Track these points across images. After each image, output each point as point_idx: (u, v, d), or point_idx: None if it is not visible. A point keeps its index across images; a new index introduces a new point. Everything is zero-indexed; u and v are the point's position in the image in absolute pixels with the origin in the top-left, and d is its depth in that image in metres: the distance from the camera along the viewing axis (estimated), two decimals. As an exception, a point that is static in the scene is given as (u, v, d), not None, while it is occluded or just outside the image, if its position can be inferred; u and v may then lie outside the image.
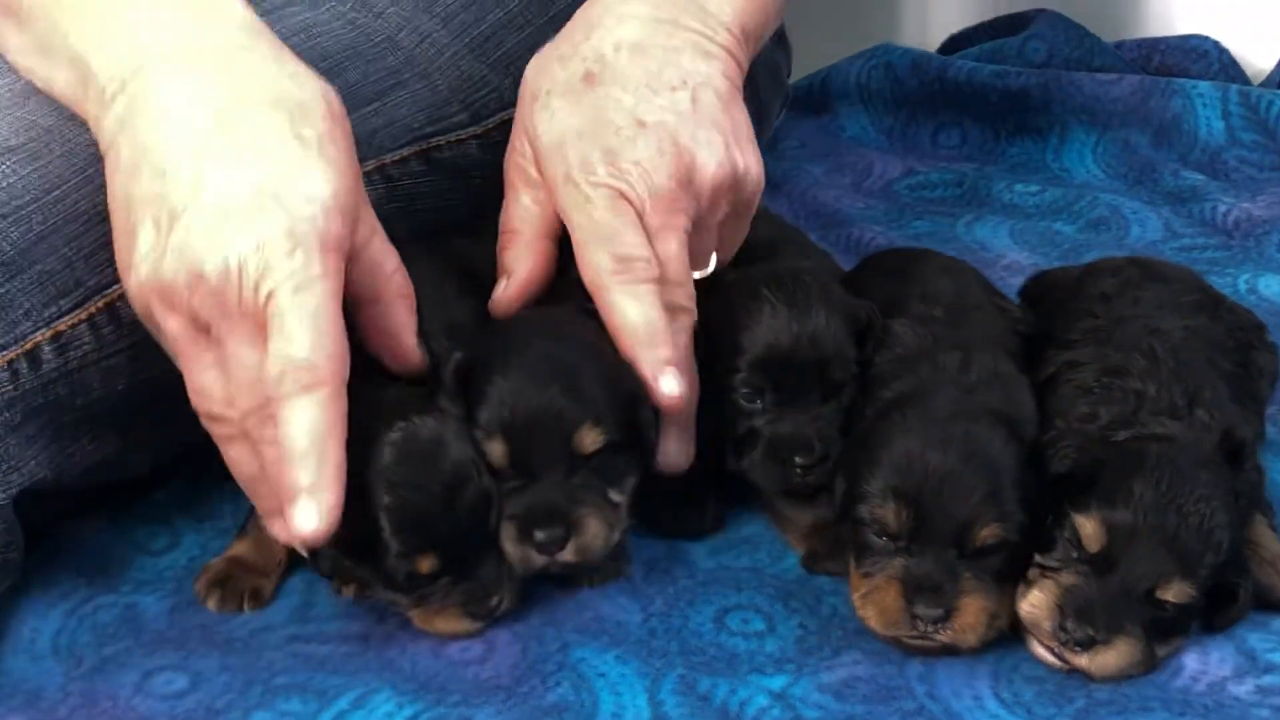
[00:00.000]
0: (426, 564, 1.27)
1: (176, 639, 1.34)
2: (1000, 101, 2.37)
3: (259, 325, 1.21)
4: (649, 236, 1.39)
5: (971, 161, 2.35)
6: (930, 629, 1.27)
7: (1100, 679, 1.25)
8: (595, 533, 1.32)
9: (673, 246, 1.39)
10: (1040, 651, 1.28)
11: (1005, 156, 2.35)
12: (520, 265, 1.47)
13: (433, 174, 1.61)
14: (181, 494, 1.54)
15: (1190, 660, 1.28)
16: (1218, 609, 1.29)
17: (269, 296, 1.20)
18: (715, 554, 1.45)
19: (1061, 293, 1.60)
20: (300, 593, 1.36)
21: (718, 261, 1.49)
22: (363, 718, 1.23)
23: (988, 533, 1.27)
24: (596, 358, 1.35)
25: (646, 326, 1.37)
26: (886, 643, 1.30)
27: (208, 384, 1.25)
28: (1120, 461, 1.29)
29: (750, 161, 1.45)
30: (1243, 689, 1.25)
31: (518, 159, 1.48)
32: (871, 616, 1.30)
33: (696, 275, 1.43)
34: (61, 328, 1.33)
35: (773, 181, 2.23)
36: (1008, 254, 2.03)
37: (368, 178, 1.49)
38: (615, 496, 1.34)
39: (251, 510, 1.41)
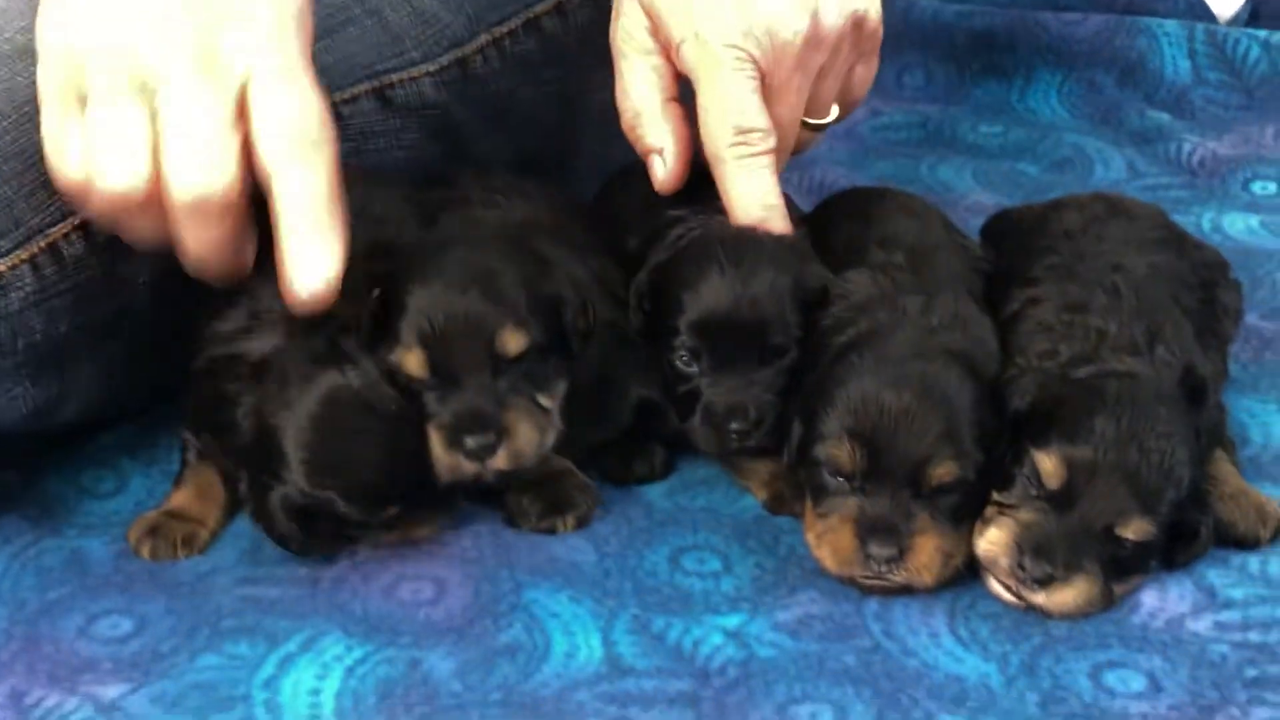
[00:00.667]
0: (392, 511, 1.29)
1: (122, 583, 1.32)
2: (965, 42, 2.35)
3: (234, 101, 1.22)
4: (771, 95, 1.42)
5: (936, 103, 2.33)
6: (884, 569, 1.25)
7: (1058, 616, 1.24)
8: (528, 437, 1.30)
9: (791, 101, 1.43)
10: (997, 589, 1.26)
11: (970, 98, 2.33)
12: (666, 139, 1.47)
13: (385, 113, 1.58)
14: (128, 437, 1.51)
15: (1148, 596, 1.27)
16: (1178, 547, 1.28)
17: (251, 73, 1.22)
18: (671, 494, 1.44)
19: (1025, 230, 1.58)
20: (249, 536, 1.33)
21: (845, 107, 1.52)
22: (311, 660, 1.21)
23: (943, 471, 1.26)
24: (518, 261, 1.34)
25: (759, 201, 1.42)
26: (843, 583, 1.29)
27: (128, 146, 1.22)
28: (1081, 398, 1.27)
29: (868, 3, 1.47)
30: (1201, 625, 1.24)
31: (627, 27, 1.47)
32: (826, 557, 1.28)
33: (818, 122, 1.50)
34: (2, 268, 1.31)
35: (735, 123, 2.21)
36: (971, 195, 2.02)
37: None
38: (544, 401, 1.32)
39: (184, 462, 1.41)
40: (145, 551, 1.35)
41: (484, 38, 1.64)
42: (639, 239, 1.54)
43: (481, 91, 1.64)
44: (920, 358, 1.30)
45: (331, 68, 1.53)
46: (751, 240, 1.43)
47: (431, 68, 1.60)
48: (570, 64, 1.71)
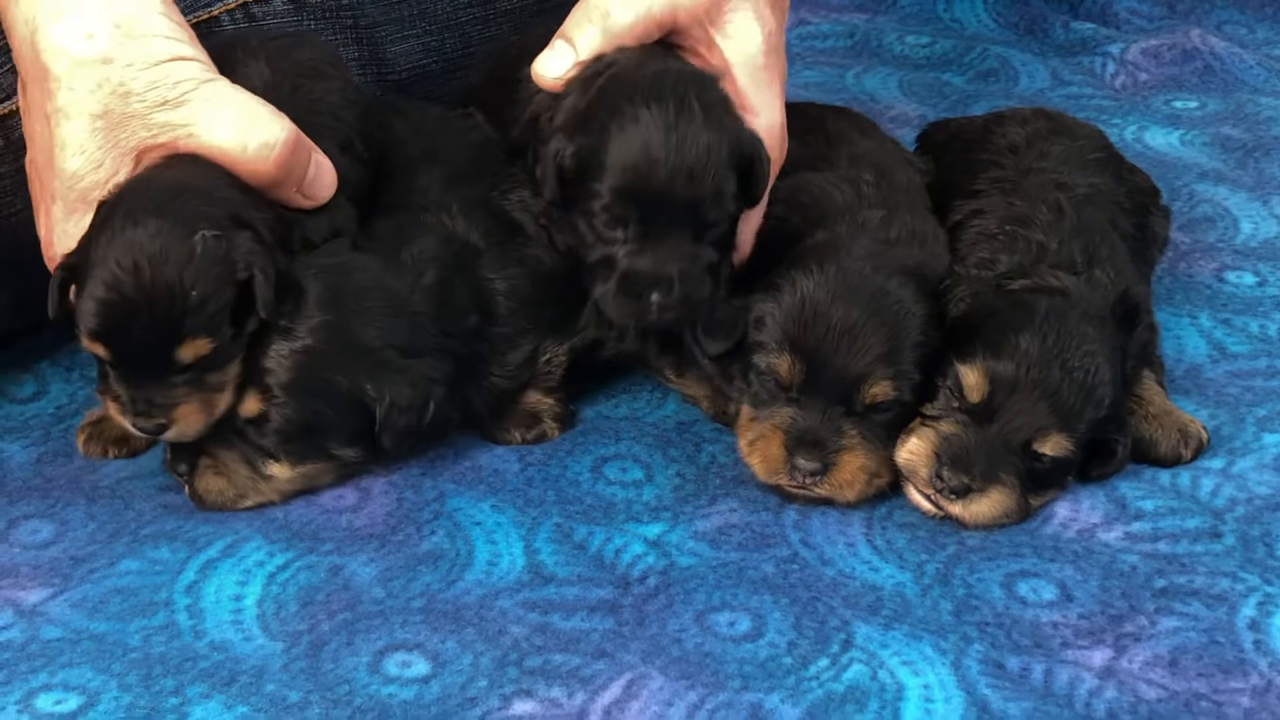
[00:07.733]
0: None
1: (42, 487, 1.31)
2: (893, -49, 2.34)
3: None
4: None
5: (863, 12, 2.33)
6: (809, 480, 1.27)
7: (973, 526, 1.26)
8: (190, 421, 1.23)
9: None
10: (916, 498, 1.28)
11: (897, 7, 2.33)
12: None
13: (299, 14, 1.56)
14: (48, 342, 1.49)
15: (1061, 507, 1.29)
16: (1095, 463, 1.31)
17: None
18: (594, 403, 1.45)
19: (967, 142, 1.58)
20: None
21: None
22: (232, 566, 1.22)
23: (878, 390, 1.27)
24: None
25: None
26: (768, 491, 1.31)
27: None
28: (1009, 313, 1.28)
29: None
30: (1112, 535, 1.26)
31: None
32: (755, 464, 1.30)
33: None
34: None
35: (661, 28, 2.20)
36: (896, 105, 2.02)
37: (230, 15, 1.49)
38: (214, 380, 1.24)
39: None
40: (80, 443, 1.34)
41: None
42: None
43: None
44: (874, 273, 1.30)
45: None
46: (678, 94, 1.29)
47: None
48: None
